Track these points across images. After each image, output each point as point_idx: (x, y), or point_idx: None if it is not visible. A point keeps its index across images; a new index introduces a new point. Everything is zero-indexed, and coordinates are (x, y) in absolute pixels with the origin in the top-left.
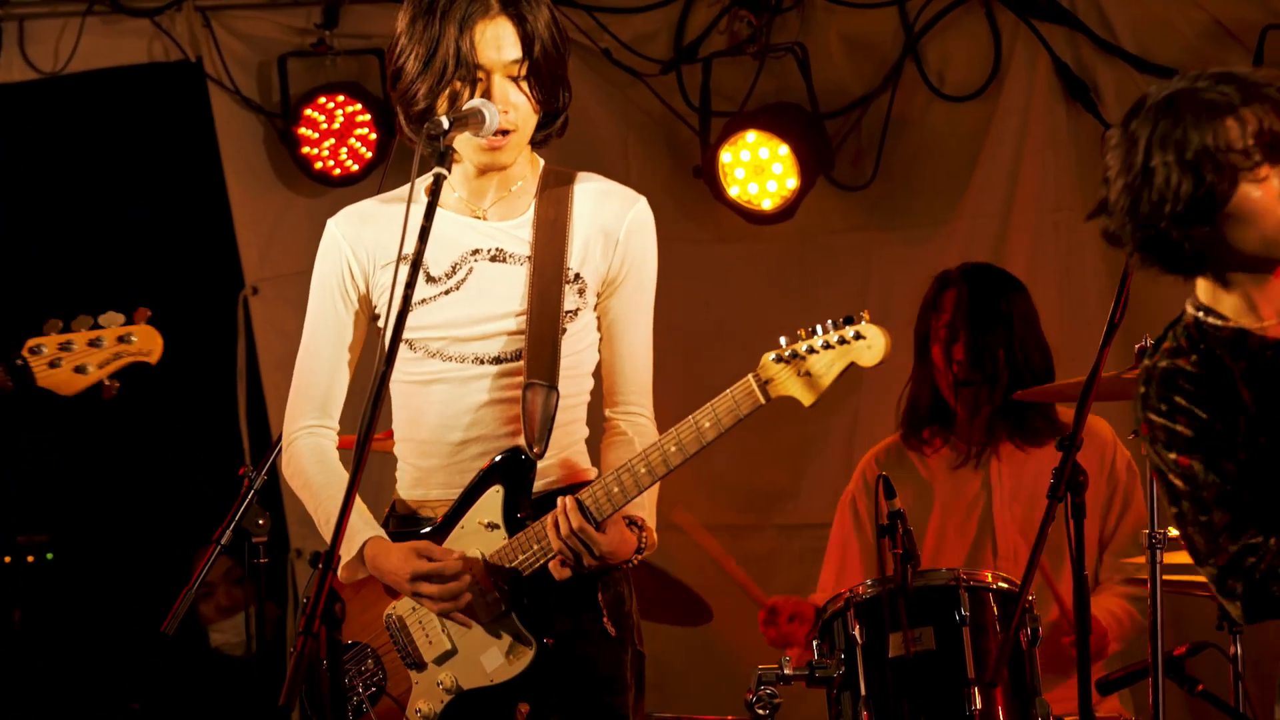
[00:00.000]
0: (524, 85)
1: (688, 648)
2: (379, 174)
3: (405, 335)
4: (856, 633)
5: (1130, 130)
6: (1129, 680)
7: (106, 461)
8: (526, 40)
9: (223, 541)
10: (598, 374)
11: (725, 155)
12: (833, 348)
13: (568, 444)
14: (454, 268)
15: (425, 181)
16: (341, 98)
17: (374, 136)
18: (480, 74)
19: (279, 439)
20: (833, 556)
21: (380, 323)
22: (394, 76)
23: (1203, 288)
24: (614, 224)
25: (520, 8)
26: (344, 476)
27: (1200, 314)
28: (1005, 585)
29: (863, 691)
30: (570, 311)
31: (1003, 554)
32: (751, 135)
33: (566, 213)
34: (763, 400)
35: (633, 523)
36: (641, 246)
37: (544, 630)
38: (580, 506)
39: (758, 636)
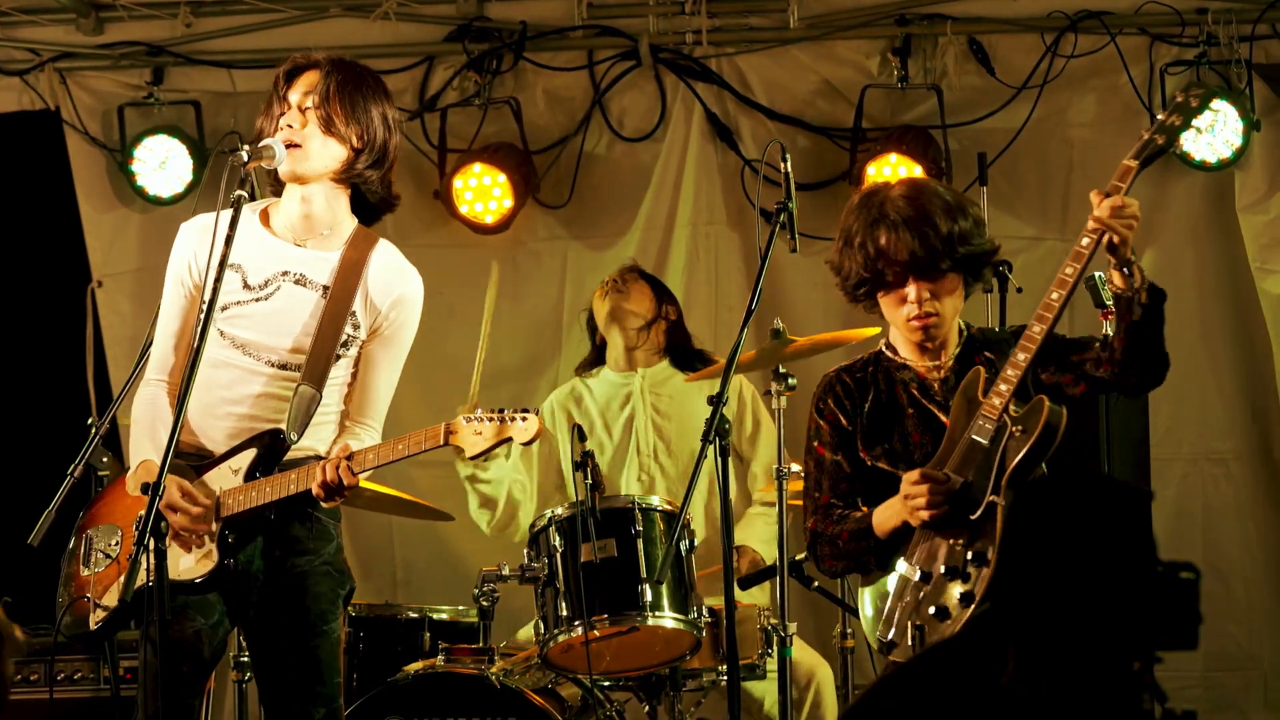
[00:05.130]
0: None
1: (429, 554)
2: (193, 196)
3: (221, 326)
4: (557, 543)
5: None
6: (762, 578)
7: None
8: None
9: (75, 474)
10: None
11: (458, 182)
12: (503, 422)
13: (317, 439)
14: (266, 282)
15: (260, 203)
16: (164, 137)
17: (190, 165)
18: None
19: (119, 397)
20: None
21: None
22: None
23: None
24: (391, 290)
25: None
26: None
27: (885, 348)
28: (669, 507)
29: (561, 588)
30: (344, 341)
31: (643, 451)
32: (478, 166)
33: (364, 264)
34: (442, 443)
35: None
36: (406, 315)
37: (229, 555)
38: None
39: (483, 545)
